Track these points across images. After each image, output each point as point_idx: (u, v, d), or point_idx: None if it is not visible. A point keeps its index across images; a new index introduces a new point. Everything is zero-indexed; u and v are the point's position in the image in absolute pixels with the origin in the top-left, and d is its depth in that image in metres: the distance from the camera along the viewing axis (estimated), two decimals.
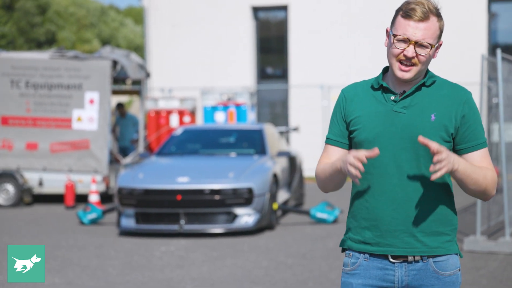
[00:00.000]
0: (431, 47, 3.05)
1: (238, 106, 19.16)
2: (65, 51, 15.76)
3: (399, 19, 3.07)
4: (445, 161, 2.89)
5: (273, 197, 11.60)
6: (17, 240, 10.95)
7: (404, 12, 3.05)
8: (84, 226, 12.27)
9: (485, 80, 9.92)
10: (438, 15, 3.07)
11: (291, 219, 12.70)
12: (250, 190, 11.10)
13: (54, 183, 15.18)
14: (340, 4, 21.32)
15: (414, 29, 3.02)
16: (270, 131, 13.71)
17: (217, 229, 10.95)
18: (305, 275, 8.33)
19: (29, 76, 15.32)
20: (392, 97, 3.12)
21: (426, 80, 3.13)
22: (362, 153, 2.95)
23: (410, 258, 3.08)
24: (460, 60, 20.53)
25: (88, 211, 12.46)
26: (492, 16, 21.27)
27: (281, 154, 12.88)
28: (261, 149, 12.76)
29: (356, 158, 2.94)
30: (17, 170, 15.16)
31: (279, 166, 12.56)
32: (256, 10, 22.37)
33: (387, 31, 3.15)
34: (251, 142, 13.10)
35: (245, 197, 11.06)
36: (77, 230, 11.90)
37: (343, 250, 3.26)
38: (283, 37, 22.36)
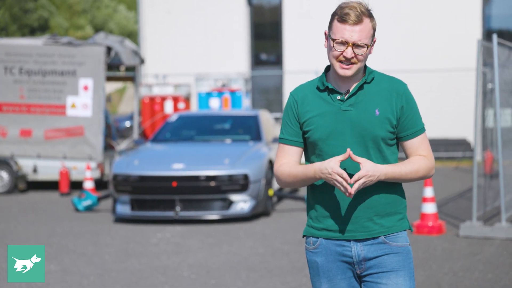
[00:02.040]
0: (367, 47, 3.38)
1: (232, 92, 19.12)
2: (59, 37, 15.68)
3: (336, 23, 3.38)
4: (363, 179, 3.29)
5: (268, 184, 11.59)
6: (12, 227, 10.93)
7: (340, 16, 3.36)
8: (79, 213, 12.24)
9: (480, 66, 9.89)
10: (370, 16, 3.39)
11: (286, 205, 12.70)
12: (245, 177, 11.08)
13: (48, 170, 15.14)
14: None
15: (350, 32, 3.34)
16: (265, 117, 13.68)
17: (213, 216, 10.94)
18: (301, 261, 8.33)
19: (23, 63, 15.25)
20: (338, 97, 3.44)
21: (366, 77, 3.46)
22: (337, 161, 3.32)
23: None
24: (454, 46, 20.49)
25: (83, 198, 12.44)
26: (486, 1, 21.23)
27: (276, 140, 12.85)
28: (257, 135, 12.74)
29: (338, 175, 3.30)
30: (11, 157, 15.11)
31: (275, 152, 12.54)
32: None
33: (325, 33, 3.45)
34: (246, 129, 13.07)
35: (240, 184, 11.04)
36: (72, 217, 11.88)
37: (305, 236, 3.60)
38: (277, 23, 22.29)
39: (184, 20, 22.07)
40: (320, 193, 3.47)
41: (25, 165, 15.17)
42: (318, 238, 3.50)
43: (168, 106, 19.11)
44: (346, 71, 3.38)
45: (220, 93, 19.13)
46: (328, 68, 3.53)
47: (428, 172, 3.47)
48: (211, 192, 10.98)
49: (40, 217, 11.86)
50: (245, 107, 19.19)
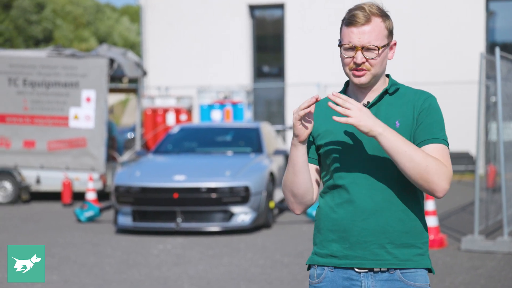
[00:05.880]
0: (379, 49, 2.98)
1: (234, 104, 19.14)
2: (63, 49, 15.73)
3: (344, 28, 3.03)
4: (349, 111, 2.86)
5: (269, 196, 11.59)
6: (14, 237, 10.93)
7: (347, 20, 3.01)
8: (81, 224, 12.25)
9: (483, 79, 9.90)
10: (383, 15, 3.01)
11: (287, 217, 12.69)
12: (246, 189, 11.08)
13: (51, 181, 15.17)
14: (335, 3, 21.30)
15: (357, 35, 2.97)
16: (267, 130, 13.69)
17: (214, 227, 10.94)
18: (301, 274, 8.32)
19: (27, 74, 15.30)
20: None
21: (389, 87, 3.07)
22: (302, 106, 2.92)
23: (376, 269, 3.00)
24: (457, 59, 20.53)
25: (85, 209, 12.45)
26: (490, 15, 21.27)
27: (277, 152, 12.86)
28: (258, 148, 12.74)
29: (298, 111, 2.92)
30: (15, 168, 15.14)
31: (276, 164, 12.54)
32: (252, 8, 22.35)
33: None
34: (248, 141, 13.08)
35: (241, 196, 11.04)
36: (74, 227, 11.88)
37: (309, 267, 3.16)
38: (279, 36, 22.34)
39: (187, 33, 22.13)
40: (327, 213, 3.06)
41: (29, 176, 15.20)
42: (323, 269, 3.06)
43: (170, 118, 19.14)
44: (360, 79, 2.99)
45: (222, 105, 19.15)
46: (348, 82, 3.17)
47: (437, 174, 2.89)
48: (212, 204, 10.98)
49: (42, 228, 11.86)
50: (247, 119, 19.21)
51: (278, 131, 17.86)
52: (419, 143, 2.96)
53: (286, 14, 21.81)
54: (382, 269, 3.00)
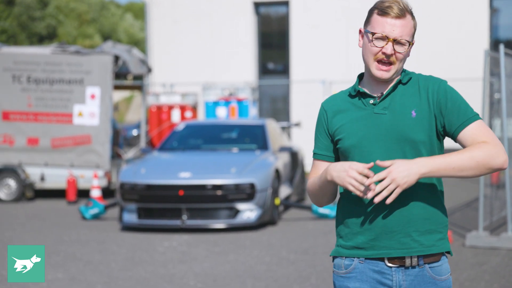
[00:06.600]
0: (409, 45, 3.07)
1: (239, 101, 19.15)
2: (67, 46, 15.75)
3: (375, 17, 3.07)
4: (390, 186, 2.89)
5: (275, 193, 11.60)
6: (19, 235, 10.96)
7: (380, 10, 3.06)
8: (86, 221, 12.27)
9: (487, 76, 9.90)
10: (412, 14, 3.10)
11: (293, 214, 12.71)
12: (252, 186, 11.10)
13: (56, 178, 15.19)
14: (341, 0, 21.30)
15: (391, 26, 3.03)
16: (272, 127, 13.70)
17: (219, 225, 10.96)
18: (307, 270, 8.34)
19: (31, 71, 15.31)
20: (371, 101, 3.11)
21: (402, 78, 3.13)
22: (361, 167, 2.93)
23: (408, 263, 3.03)
24: (461, 56, 20.51)
25: (90, 206, 12.47)
26: (493, 12, 21.24)
27: (283, 149, 12.88)
28: (263, 145, 12.76)
29: (356, 172, 2.93)
30: (19, 165, 15.16)
31: (281, 161, 12.56)
32: (257, 5, 22.35)
33: (360, 31, 3.15)
34: (253, 138, 13.10)
35: (247, 193, 11.06)
36: (79, 225, 11.90)
37: (333, 258, 3.21)
38: (284, 33, 22.34)
39: (191, 29, 22.14)
40: (351, 206, 3.10)
41: (33, 173, 15.22)
42: (352, 261, 3.09)
43: (175, 115, 19.16)
44: (384, 73, 3.07)
45: (227, 102, 19.17)
46: (361, 76, 3.21)
47: (489, 158, 2.94)
48: (218, 201, 11.00)
49: (47, 225, 11.89)
50: (252, 116, 19.22)
51: (283, 128, 17.87)
52: (456, 129, 3.02)
53: (291, 11, 21.81)
54: (412, 264, 3.03)
